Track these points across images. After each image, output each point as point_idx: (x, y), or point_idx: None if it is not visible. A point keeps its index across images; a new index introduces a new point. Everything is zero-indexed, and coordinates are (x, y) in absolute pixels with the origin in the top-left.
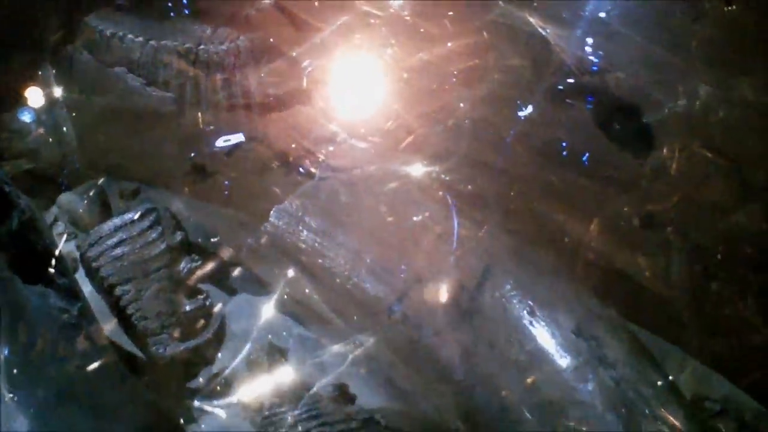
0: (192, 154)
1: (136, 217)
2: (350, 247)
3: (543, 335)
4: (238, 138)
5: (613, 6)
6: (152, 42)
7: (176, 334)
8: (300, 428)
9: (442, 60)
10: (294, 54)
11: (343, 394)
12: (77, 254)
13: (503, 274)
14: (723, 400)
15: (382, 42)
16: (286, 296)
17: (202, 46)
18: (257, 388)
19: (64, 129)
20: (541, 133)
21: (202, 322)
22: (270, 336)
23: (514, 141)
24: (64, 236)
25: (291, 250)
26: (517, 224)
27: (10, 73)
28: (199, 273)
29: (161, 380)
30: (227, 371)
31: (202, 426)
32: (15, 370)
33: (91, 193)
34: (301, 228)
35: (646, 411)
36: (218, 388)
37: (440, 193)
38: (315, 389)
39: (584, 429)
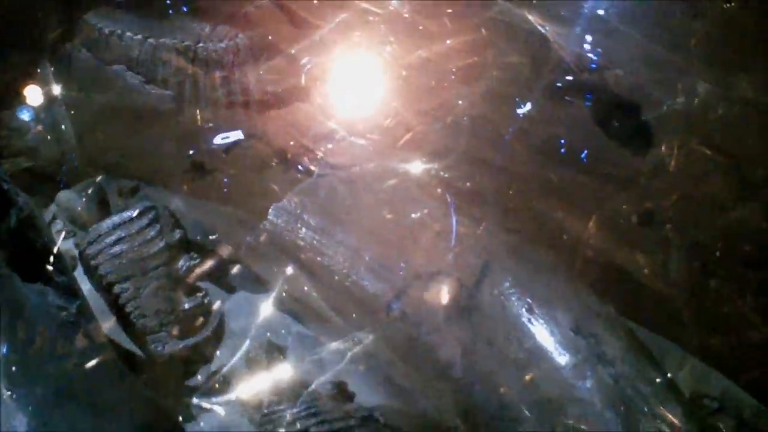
0: (191, 152)
1: (135, 214)
2: (349, 245)
3: (541, 333)
4: (236, 135)
5: (612, 3)
6: (151, 40)
7: (175, 332)
8: (299, 426)
9: (441, 57)
10: (293, 51)
11: (342, 391)
12: (76, 252)
13: (502, 272)
14: (721, 397)
15: (381, 39)
16: (284, 294)
17: (200, 44)
18: (256, 386)
19: (63, 127)
20: (540, 130)
21: (200, 319)
22: (269, 334)
23: (512, 138)
24: (63, 234)
25: (290, 248)
26: (516, 222)
27: (8, 71)
28: (198, 271)
29: (160, 378)
30: (226, 369)
31: (201, 424)
32: (14, 368)
33: (89, 191)
34: (299, 226)
35: (645, 409)
36: (217, 385)
37: (439, 190)
38: (314, 387)
39: (583, 427)
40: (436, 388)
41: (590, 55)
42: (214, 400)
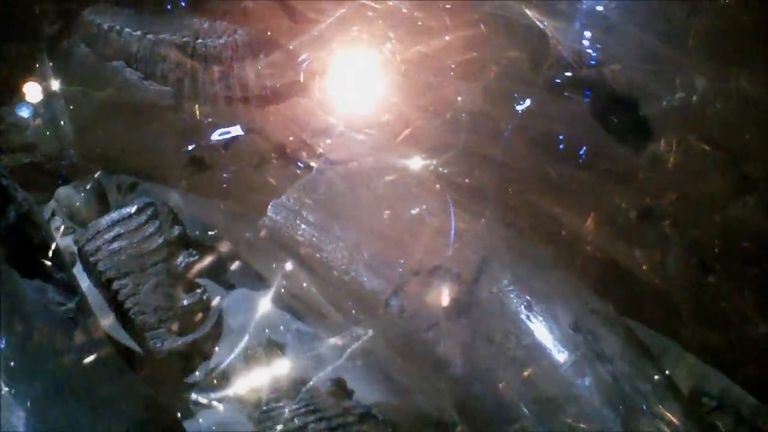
0: (190, 147)
1: (134, 211)
2: (348, 241)
3: (540, 330)
4: (235, 131)
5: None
6: (150, 36)
7: (174, 328)
8: (297, 422)
9: (439, 53)
10: (291, 47)
11: (340, 388)
12: (75, 248)
13: (501, 268)
14: (720, 395)
15: (380, 35)
16: (283, 290)
17: (199, 40)
18: (255, 383)
19: (62, 123)
20: (539, 126)
21: (199, 316)
22: (268, 330)
23: (511, 134)
24: (62, 230)
25: (289, 244)
26: (515, 217)
27: (8, 67)
28: (197, 267)
29: (159, 374)
30: (225, 365)
31: (200, 420)
32: (12, 363)
33: (88, 187)
34: (298, 222)
35: (644, 407)
36: (216, 382)
37: (438, 186)
38: (313, 383)
39: (581, 425)
40: (434, 384)
41: (589, 51)
42: (212, 396)
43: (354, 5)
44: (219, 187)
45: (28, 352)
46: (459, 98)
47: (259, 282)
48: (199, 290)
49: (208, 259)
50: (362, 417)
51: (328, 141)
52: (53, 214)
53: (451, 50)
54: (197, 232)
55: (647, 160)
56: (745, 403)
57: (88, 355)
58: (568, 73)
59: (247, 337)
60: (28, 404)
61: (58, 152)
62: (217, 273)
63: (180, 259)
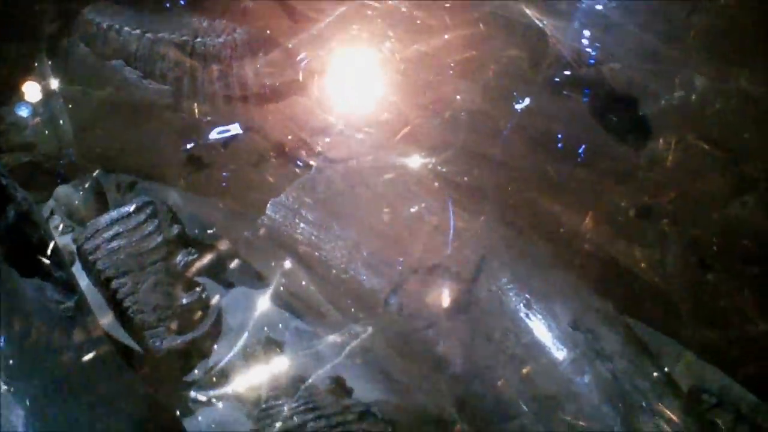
0: (189, 146)
1: (133, 210)
2: (347, 240)
3: (539, 328)
4: (234, 129)
5: None
6: (149, 35)
7: (173, 326)
8: (296, 420)
9: (439, 51)
10: (290, 45)
11: (339, 386)
12: (74, 247)
13: (500, 266)
14: (719, 392)
15: (380, 34)
16: (282, 289)
17: (198, 39)
18: (254, 381)
19: (61, 122)
20: (538, 124)
21: (199, 314)
22: (266, 329)
23: (511, 133)
24: (61, 229)
25: (288, 243)
26: (514, 216)
27: (7, 66)
28: (196, 266)
29: (158, 373)
30: (224, 364)
31: (199, 418)
32: (11, 362)
33: (87, 186)
34: (297, 221)
35: (643, 404)
36: (215, 380)
37: (436, 184)
38: (312, 381)
39: (581, 423)
40: (433, 382)
41: (588, 49)
42: (211, 394)
43: (354, 4)
44: (218, 186)
45: (26, 351)
46: (458, 97)
47: (258, 280)
48: (198, 289)
49: (207, 258)
50: (361, 415)
51: (327, 139)
52: (52, 213)
53: (451, 49)
54: (196, 231)
55: (646, 158)
56: (744, 401)
57: (87, 354)
58: (568, 72)
59: (246, 336)
60: (27, 402)
61: (57, 151)
62: (216, 271)
63: (179, 257)
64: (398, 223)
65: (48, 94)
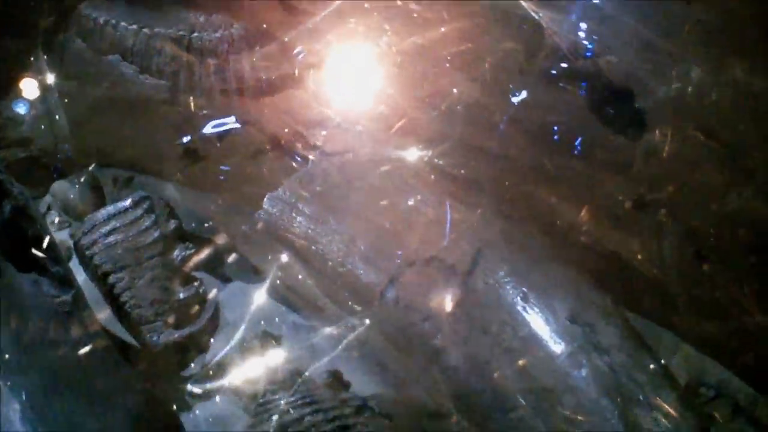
0: (185, 140)
1: (130, 205)
2: (343, 233)
3: (537, 321)
4: (230, 123)
5: None
6: (146, 30)
7: (170, 321)
8: (294, 414)
9: (435, 44)
10: (287, 39)
11: (337, 380)
12: (71, 242)
13: (497, 259)
14: (718, 385)
15: (376, 27)
16: (279, 282)
17: (195, 34)
18: (251, 375)
19: (58, 117)
20: (535, 117)
21: (196, 309)
22: (263, 323)
23: (507, 125)
24: (57, 222)
25: (284, 237)
26: (510, 208)
27: (2, 62)
28: (193, 260)
29: (155, 368)
30: (221, 358)
31: (196, 412)
32: (8, 356)
33: (84, 181)
34: (294, 215)
35: (641, 397)
36: (212, 375)
37: (433, 177)
38: (309, 375)
39: (578, 416)
40: (430, 375)
41: (585, 42)
42: (209, 388)
43: None
44: (215, 180)
45: (23, 345)
46: (455, 90)
47: (255, 275)
48: (195, 283)
49: (204, 253)
50: (359, 409)
51: (324, 133)
52: (49, 209)
53: (447, 42)
54: (193, 225)
55: (643, 150)
56: (742, 393)
57: (84, 348)
58: (564, 65)
59: (243, 330)
60: (24, 397)
61: (53, 146)
62: (214, 266)
63: (176, 252)
64: (395, 215)
65: (44, 89)
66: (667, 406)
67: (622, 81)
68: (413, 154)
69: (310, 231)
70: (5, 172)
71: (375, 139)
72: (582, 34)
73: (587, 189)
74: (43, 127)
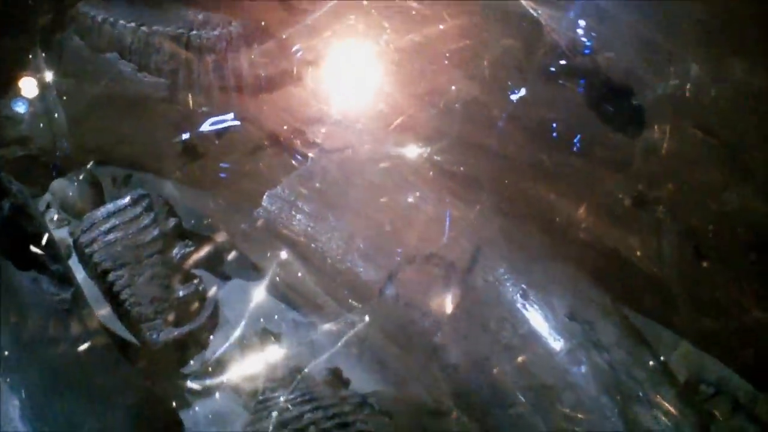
0: (184, 137)
1: (129, 202)
2: (342, 230)
3: (536, 318)
4: (229, 120)
5: None
6: (144, 28)
7: (170, 319)
8: (293, 411)
9: (434, 41)
10: (285, 36)
11: (336, 377)
12: (70, 240)
13: (496, 256)
14: (717, 382)
15: (375, 25)
16: (279, 280)
17: (194, 32)
18: (251, 373)
19: (56, 115)
20: (533, 114)
21: (195, 306)
22: (263, 320)
23: (505, 122)
24: (56, 220)
25: (284, 235)
26: (509, 206)
27: (0, 60)
28: (193, 258)
29: (155, 365)
30: (221, 355)
31: (196, 410)
32: (7, 353)
33: (83, 179)
34: (293, 212)
35: (640, 394)
36: (212, 372)
37: (432, 174)
38: (309, 372)
39: (578, 415)
40: (429, 372)
41: (583, 39)
42: (208, 386)
43: None
44: (214, 178)
45: (23, 343)
46: (453, 87)
47: (254, 272)
48: (194, 281)
49: (203, 250)
50: (358, 406)
51: (323, 130)
52: (48, 207)
53: (446, 39)
54: (192, 222)
55: (642, 148)
56: (742, 390)
57: (83, 346)
58: (563, 62)
59: (242, 327)
60: (23, 394)
61: (52, 145)
62: (213, 264)
63: (175, 250)
64: (394, 213)
65: (43, 87)
66: (666, 404)
67: (621, 78)
68: (412, 151)
69: (309, 228)
70: (4, 170)
71: (374, 136)
72: (581, 32)
73: (586, 186)
74: (41, 125)
